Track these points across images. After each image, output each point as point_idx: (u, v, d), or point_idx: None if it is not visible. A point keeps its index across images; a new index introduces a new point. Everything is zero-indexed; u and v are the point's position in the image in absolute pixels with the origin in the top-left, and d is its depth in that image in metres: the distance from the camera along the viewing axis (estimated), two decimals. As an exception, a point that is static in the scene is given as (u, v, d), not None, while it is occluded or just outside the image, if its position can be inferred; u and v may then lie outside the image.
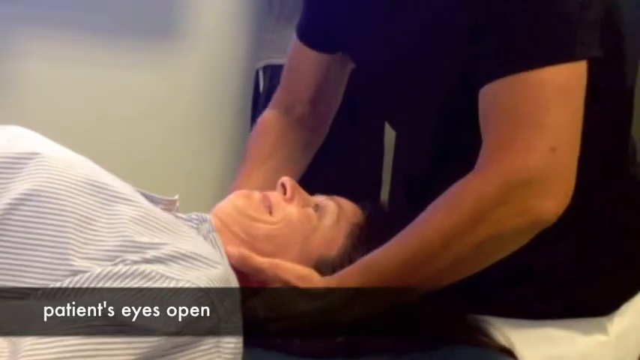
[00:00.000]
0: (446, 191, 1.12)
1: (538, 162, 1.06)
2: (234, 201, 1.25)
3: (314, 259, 1.19)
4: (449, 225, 1.09)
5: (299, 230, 1.22)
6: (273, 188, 1.28)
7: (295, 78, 1.48)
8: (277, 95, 1.51)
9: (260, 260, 1.17)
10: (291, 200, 1.24)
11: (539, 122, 1.06)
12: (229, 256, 1.16)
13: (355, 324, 1.14)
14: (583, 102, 1.08)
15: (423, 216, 1.12)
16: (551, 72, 1.06)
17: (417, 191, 1.36)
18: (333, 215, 1.24)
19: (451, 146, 1.26)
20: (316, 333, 1.15)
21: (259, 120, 1.51)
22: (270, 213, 1.23)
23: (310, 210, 1.24)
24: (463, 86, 1.16)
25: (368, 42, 1.31)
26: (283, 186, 1.26)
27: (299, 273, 1.16)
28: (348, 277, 1.14)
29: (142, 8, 2.37)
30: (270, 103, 1.52)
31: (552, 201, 1.07)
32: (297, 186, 1.26)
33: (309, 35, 1.44)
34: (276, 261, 1.17)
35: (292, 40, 1.47)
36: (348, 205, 1.27)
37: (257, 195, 1.26)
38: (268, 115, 1.50)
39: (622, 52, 1.21)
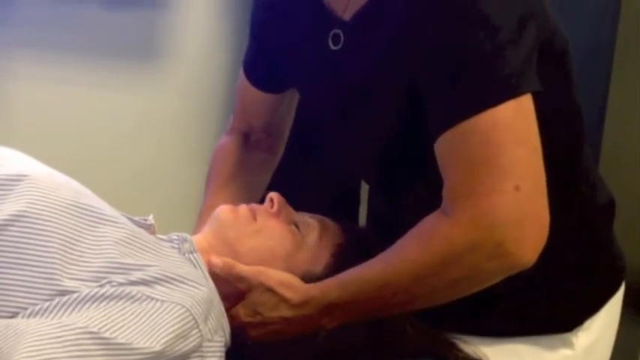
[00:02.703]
0: (417, 227, 1.13)
1: (505, 203, 1.05)
2: (221, 216, 1.27)
3: (299, 275, 1.21)
4: (421, 264, 1.10)
5: (282, 245, 1.24)
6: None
7: (247, 109, 1.51)
8: (232, 123, 1.54)
9: (243, 268, 1.19)
10: (277, 215, 1.27)
11: (496, 165, 1.06)
12: (213, 265, 1.19)
13: (335, 335, 1.17)
14: (537, 134, 1.08)
15: (397, 249, 1.14)
16: (496, 113, 1.06)
17: (380, 225, 1.38)
18: (317, 233, 1.26)
19: (402, 193, 1.28)
20: (298, 339, 1.18)
21: (218, 146, 1.54)
22: (254, 220, 1.26)
23: (294, 227, 1.26)
24: (403, 139, 1.18)
25: (312, 90, 1.33)
26: (272, 200, 1.28)
27: (282, 279, 1.18)
28: (327, 288, 1.17)
29: (126, 30, 2.39)
30: (227, 130, 1.55)
31: (528, 245, 1.07)
32: (285, 202, 1.29)
33: (256, 77, 1.47)
34: (259, 268, 1.20)
35: (240, 73, 1.49)
36: (331, 225, 1.29)
37: (244, 209, 1.28)
38: (226, 140, 1.53)
39: (568, 75, 1.23)
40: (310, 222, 1.28)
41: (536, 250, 1.07)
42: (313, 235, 1.26)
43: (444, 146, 1.10)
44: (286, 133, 1.55)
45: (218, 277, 1.18)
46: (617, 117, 2.03)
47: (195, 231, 1.37)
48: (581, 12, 2.03)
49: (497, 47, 1.06)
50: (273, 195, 1.29)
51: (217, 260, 1.19)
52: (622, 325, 1.41)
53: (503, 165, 1.05)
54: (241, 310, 1.18)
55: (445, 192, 1.10)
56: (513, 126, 1.06)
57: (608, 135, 2.01)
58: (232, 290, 1.18)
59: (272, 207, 1.27)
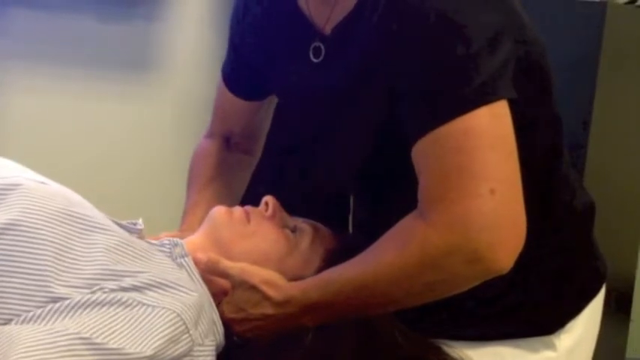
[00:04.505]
0: (394, 229, 1.14)
1: (480, 207, 1.05)
2: (215, 217, 1.29)
3: (289, 278, 1.22)
4: (397, 266, 1.11)
5: (275, 249, 1.26)
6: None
7: (226, 115, 1.53)
8: (211, 126, 1.56)
9: (228, 264, 1.21)
10: (271, 218, 1.28)
11: (470, 170, 1.06)
12: (198, 262, 1.20)
13: (322, 341, 1.18)
14: (513, 139, 1.09)
15: (375, 251, 1.15)
16: (469, 120, 1.07)
17: (365, 233, 1.40)
18: (310, 238, 1.28)
19: (384, 202, 1.30)
20: (283, 336, 1.19)
21: (197, 149, 1.55)
22: (249, 222, 1.27)
23: (288, 231, 1.28)
24: (385, 149, 1.20)
25: (294, 101, 1.35)
26: (266, 204, 1.30)
27: (265, 277, 1.20)
28: (308, 288, 1.18)
29: (121, 42, 2.41)
30: (206, 132, 1.56)
31: (503, 251, 1.07)
32: (279, 206, 1.30)
33: (235, 85, 1.48)
34: (243, 265, 1.21)
35: (219, 79, 1.51)
36: (323, 230, 1.31)
37: (238, 211, 1.29)
38: (205, 143, 1.55)
39: (545, 83, 1.24)
40: (303, 227, 1.30)
41: (512, 256, 1.08)
42: (306, 240, 1.28)
43: (420, 153, 1.11)
44: (264, 135, 1.57)
45: (203, 273, 1.20)
46: (603, 122, 2.05)
47: (180, 230, 1.39)
48: (567, 20, 2.06)
49: (470, 57, 1.08)
50: (268, 198, 1.30)
51: (202, 256, 1.21)
52: (609, 327, 1.42)
53: (476, 170, 1.06)
54: (225, 307, 1.20)
55: (420, 195, 1.12)
56: (487, 132, 1.08)
57: (593, 140, 2.03)
58: (217, 287, 1.21)
59: (266, 210, 1.29)
